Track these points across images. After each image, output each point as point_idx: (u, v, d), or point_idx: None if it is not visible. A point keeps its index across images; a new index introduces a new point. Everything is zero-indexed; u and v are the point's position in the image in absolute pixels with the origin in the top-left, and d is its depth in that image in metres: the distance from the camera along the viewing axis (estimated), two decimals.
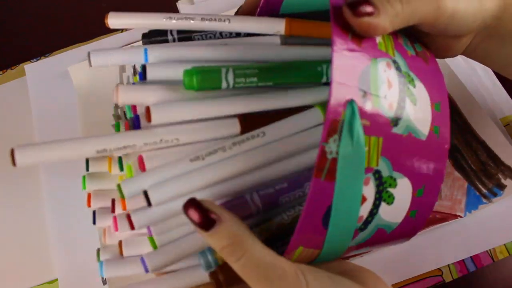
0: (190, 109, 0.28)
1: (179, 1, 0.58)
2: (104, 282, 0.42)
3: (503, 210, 0.41)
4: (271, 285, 0.23)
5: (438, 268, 0.39)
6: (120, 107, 0.50)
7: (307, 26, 0.32)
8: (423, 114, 0.30)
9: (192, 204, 0.24)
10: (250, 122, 0.29)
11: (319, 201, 0.26)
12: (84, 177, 0.33)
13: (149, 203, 0.26)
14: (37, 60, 0.56)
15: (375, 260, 0.40)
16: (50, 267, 0.43)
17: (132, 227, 0.27)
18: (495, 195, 0.41)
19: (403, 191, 0.29)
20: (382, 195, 0.28)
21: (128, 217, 0.27)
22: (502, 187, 0.42)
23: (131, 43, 0.55)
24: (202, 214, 0.23)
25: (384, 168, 0.28)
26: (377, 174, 0.27)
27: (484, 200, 0.41)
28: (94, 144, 0.26)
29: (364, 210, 0.28)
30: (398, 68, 0.29)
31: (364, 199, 0.27)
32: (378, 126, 0.27)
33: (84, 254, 0.43)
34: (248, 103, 0.29)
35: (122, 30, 0.57)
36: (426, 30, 0.31)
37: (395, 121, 0.28)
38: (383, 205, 0.29)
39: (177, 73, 0.29)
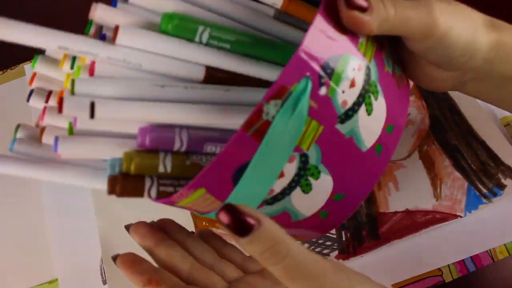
0: (157, 42, 0.27)
1: None
2: (104, 282, 0.42)
3: (503, 210, 0.41)
4: (315, 283, 0.22)
5: (438, 268, 0.39)
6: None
7: (304, 9, 0.32)
8: (372, 127, 0.30)
9: (226, 209, 0.22)
10: (215, 76, 0.29)
11: (237, 153, 0.25)
12: (36, 56, 0.32)
13: (92, 115, 0.25)
14: None
15: (375, 260, 0.40)
16: (50, 267, 0.43)
17: (60, 111, 0.25)
18: (495, 195, 0.41)
19: (322, 187, 0.29)
20: (301, 180, 0.28)
21: (61, 100, 0.26)
22: (502, 187, 0.42)
23: None
24: (236, 219, 0.21)
25: (313, 156, 0.27)
26: (304, 158, 0.27)
27: (484, 200, 0.41)
28: (59, 38, 0.26)
29: (278, 186, 0.27)
30: (368, 75, 0.28)
31: (282, 175, 0.27)
32: (324, 114, 0.27)
33: (84, 254, 0.43)
34: (217, 58, 0.28)
35: None
36: (412, 48, 0.30)
37: (342, 119, 0.27)
38: (298, 190, 0.28)
39: (159, 5, 0.29)
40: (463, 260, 0.39)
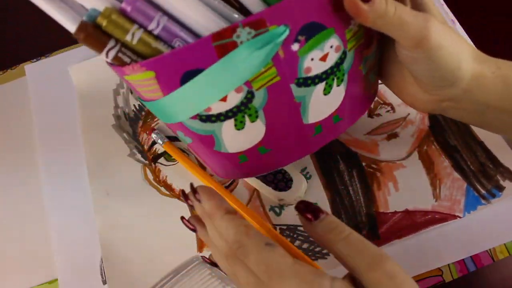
0: None
1: None
2: (104, 282, 0.42)
3: (502, 212, 0.41)
4: (380, 261, 0.24)
5: (438, 268, 0.39)
6: (119, 107, 0.50)
7: None
8: (322, 107, 0.31)
9: (306, 208, 0.27)
10: None
11: (196, 56, 0.27)
12: None
13: None
14: (37, 60, 0.56)
15: None
16: (50, 267, 0.43)
17: None
18: (493, 196, 0.41)
19: (253, 132, 0.30)
20: (238, 114, 0.29)
21: None
22: (500, 188, 0.42)
23: None
24: (315, 214, 0.27)
25: (259, 99, 0.29)
26: (250, 95, 0.28)
27: (483, 201, 0.41)
28: None
29: (217, 107, 0.29)
30: (341, 59, 0.30)
31: (224, 99, 0.28)
32: (286, 68, 0.28)
33: (84, 254, 0.43)
34: None
35: None
36: (400, 56, 0.31)
37: (299, 83, 0.29)
38: (231, 122, 0.30)
39: None
40: (463, 260, 0.39)
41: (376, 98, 0.47)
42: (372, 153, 0.45)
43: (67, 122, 0.51)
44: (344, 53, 0.30)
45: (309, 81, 0.29)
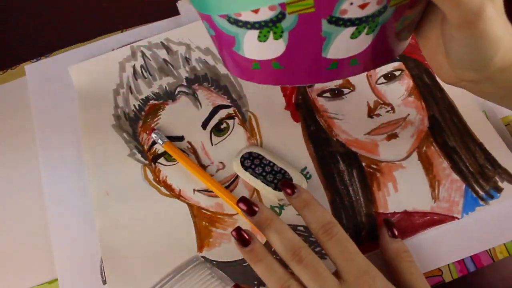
0: None
1: (179, 1, 0.58)
2: (104, 282, 0.42)
3: (500, 213, 0.41)
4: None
5: (438, 268, 0.39)
6: (119, 107, 0.50)
7: None
8: (344, 48, 0.32)
9: (390, 225, 0.40)
10: None
11: None
12: None
13: None
14: (37, 60, 0.56)
15: (375, 260, 0.40)
16: (50, 267, 0.43)
17: None
18: (492, 197, 0.42)
19: (273, 47, 0.32)
20: (264, 28, 0.30)
21: None
22: (499, 190, 0.42)
23: (131, 43, 0.55)
24: (394, 234, 0.39)
25: (288, 22, 0.30)
26: (281, 16, 0.29)
27: (481, 203, 0.42)
28: None
29: (246, 15, 0.30)
30: (379, 12, 0.30)
31: (256, 11, 0.29)
32: (323, 4, 0.29)
33: (84, 254, 0.43)
34: None
35: (122, 30, 0.57)
36: (443, 30, 0.31)
37: (331, 21, 0.29)
38: (256, 32, 0.31)
39: None
40: (463, 260, 0.40)
41: (376, 98, 0.47)
42: (372, 153, 0.45)
43: (67, 122, 0.51)
44: (385, 7, 0.29)
45: (341, 22, 0.29)
